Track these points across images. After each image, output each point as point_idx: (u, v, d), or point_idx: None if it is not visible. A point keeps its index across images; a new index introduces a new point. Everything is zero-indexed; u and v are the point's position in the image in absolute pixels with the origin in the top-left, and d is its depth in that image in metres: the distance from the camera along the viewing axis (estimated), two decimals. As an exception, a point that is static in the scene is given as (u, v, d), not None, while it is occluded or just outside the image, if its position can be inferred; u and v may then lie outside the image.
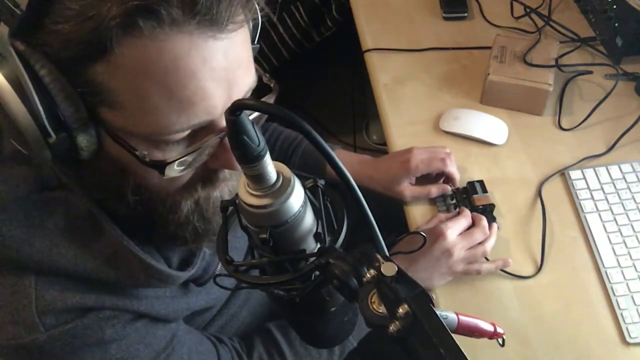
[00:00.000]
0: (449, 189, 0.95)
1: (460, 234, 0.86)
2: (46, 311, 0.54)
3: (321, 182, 0.47)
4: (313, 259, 0.44)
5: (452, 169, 0.95)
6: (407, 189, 0.95)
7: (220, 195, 0.57)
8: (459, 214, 0.90)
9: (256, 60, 0.53)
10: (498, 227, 0.92)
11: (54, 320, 0.55)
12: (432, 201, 0.97)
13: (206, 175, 0.56)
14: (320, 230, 0.46)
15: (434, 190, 0.95)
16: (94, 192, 0.55)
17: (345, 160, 1.03)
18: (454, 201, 0.95)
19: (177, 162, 0.50)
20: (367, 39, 1.22)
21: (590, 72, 1.12)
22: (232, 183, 0.57)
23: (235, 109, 0.37)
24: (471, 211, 0.93)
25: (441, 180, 0.97)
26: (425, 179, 0.97)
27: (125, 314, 0.59)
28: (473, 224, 0.89)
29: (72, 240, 0.55)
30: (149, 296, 0.61)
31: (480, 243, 0.87)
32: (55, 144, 0.46)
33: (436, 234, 0.85)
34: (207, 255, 0.67)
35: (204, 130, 0.50)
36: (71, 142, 0.48)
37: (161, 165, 0.49)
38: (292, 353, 0.78)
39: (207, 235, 0.59)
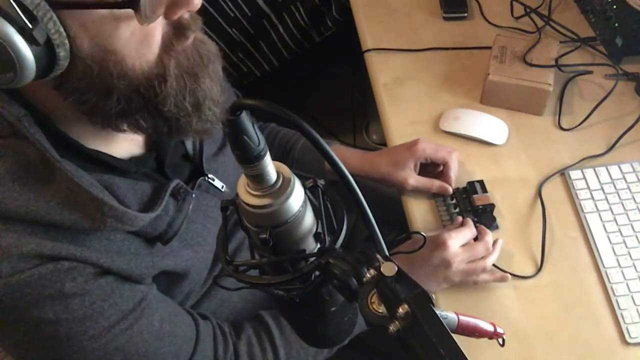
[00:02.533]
0: (450, 190, 0.95)
1: (463, 245, 0.85)
2: (1, 257, 0.54)
3: (321, 182, 0.47)
4: (313, 259, 0.44)
5: (454, 165, 0.95)
6: (411, 176, 0.95)
7: (194, 46, 0.58)
8: (463, 224, 0.89)
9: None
10: (498, 227, 0.92)
11: (9, 268, 0.54)
12: (432, 200, 0.97)
13: (173, 30, 0.56)
14: (320, 230, 0.46)
15: (437, 184, 0.95)
16: (79, 106, 0.55)
17: (346, 153, 1.02)
18: (454, 201, 0.95)
19: None
20: (367, 39, 1.22)
21: (590, 72, 1.12)
22: (198, 34, 0.59)
23: (235, 109, 0.37)
24: (471, 211, 0.93)
25: (441, 179, 0.96)
26: (426, 176, 0.96)
27: (86, 268, 0.58)
28: (478, 237, 0.88)
29: (24, 184, 0.55)
30: (111, 250, 0.60)
31: (482, 257, 0.85)
32: (37, 50, 0.47)
33: (438, 243, 0.84)
34: (170, 211, 0.66)
35: None
36: (47, 40, 0.48)
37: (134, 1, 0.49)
38: (283, 339, 0.77)
39: (205, 102, 0.60)
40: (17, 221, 0.55)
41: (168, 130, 0.61)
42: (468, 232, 0.87)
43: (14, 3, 0.45)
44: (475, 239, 0.88)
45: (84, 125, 0.60)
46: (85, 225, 0.57)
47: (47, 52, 0.49)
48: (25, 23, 0.46)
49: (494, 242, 0.87)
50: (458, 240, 0.85)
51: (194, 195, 0.69)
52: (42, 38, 0.47)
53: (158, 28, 0.55)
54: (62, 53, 0.49)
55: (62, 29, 0.48)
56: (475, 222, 0.90)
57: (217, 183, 0.76)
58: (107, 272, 0.61)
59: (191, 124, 0.61)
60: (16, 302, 0.56)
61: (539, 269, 0.88)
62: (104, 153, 0.63)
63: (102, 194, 0.57)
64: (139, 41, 0.53)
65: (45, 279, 0.56)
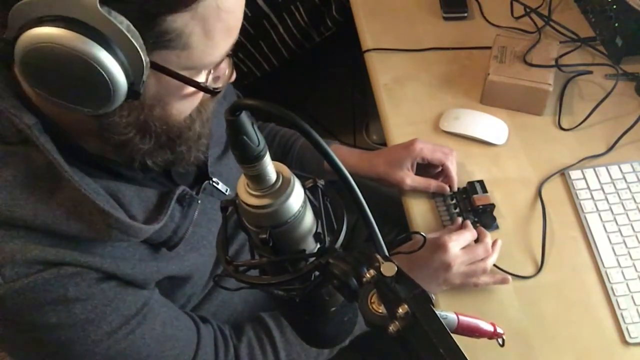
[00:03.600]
0: (448, 190, 0.95)
1: (463, 248, 0.85)
2: (5, 263, 0.54)
3: (321, 182, 0.47)
4: (313, 259, 0.44)
5: (453, 166, 0.95)
6: (409, 176, 0.95)
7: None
8: (463, 226, 0.89)
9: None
10: (498, 227, 0.92)
11: (13, 273, 0.54)
12: (432, 200, 0.97)
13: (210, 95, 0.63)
14: (320, 230, 0.46)
15: (434, 184, 0.95)
16: (113, 137, 0.58)
17: (345, 152, 1.02)
18: (454, 201, 0.95)
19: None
20: (367, 39, 1.22)
21: (590, 72, 1.12)
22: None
23: (235, 109, 0.37)
24: (471, 211, 0.93)
25: (440, 179, 0.97)
26: (426, 176, 0.96)
27: (89, 273, 0.58)
28: (477, 239, 0.87)
29: (31, 192, 0.55)
30: (115, 256, 0.60)
31: (481, 259, 0.85)
32: (130, 91, 0.51)
33: (438, 245, 0.83)
34: (176, 217, 0.66)
35: None
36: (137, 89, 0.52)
37: (217, 90, 0.59)
38: (283, 340, 0.77)
39: (203, 137, 0.66)
40: (22, 228, 0.55)
41: (172, 161, 0.65)
42: (468, 234, 0.87)
43: (146, 63, 0.49)
44: (475, 240, 0.88)
45: (94, 136, 0.60)
46: (91, 236, 0.57)
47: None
48: (138, 81, 0.50)
49: (493, 243, 0.87)
50: (458, 242, 0.85)
51: (199, 201, 0.69)
52: (141, 91, 0.51)
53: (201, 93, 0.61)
54: (130, 99, 0.52)
55: (142, 84, 0.52)
56: (475, 223, 0.90)
57: (221, 187, 0.77)
58: (111, 277, 0.61)
59: (191, 156, 0.66)
60: (19, 306, 0.56)
61: (539, 269, 0.88)
62: (112, 160, 0.63)
63: (109, 205, 0.57)
64: (189, 103, 0.61)
65: (48, 284, 0.56)
